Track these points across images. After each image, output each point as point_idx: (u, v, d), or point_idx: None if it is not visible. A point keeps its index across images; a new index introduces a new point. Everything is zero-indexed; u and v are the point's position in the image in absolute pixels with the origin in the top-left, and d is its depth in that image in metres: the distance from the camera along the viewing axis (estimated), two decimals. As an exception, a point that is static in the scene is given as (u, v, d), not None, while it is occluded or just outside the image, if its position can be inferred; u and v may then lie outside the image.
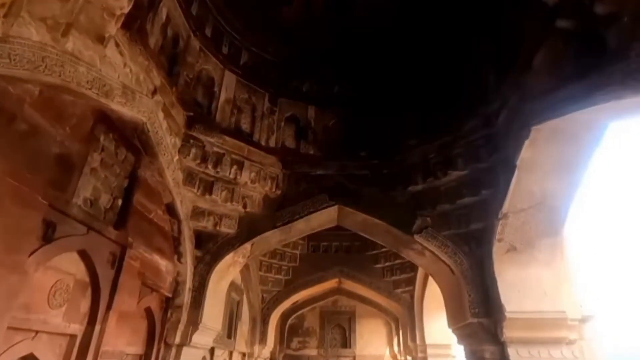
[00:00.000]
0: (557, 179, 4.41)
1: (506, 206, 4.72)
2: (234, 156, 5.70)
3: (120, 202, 4.18)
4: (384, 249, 10.02)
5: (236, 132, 5.88)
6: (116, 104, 3.69)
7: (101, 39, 3.29)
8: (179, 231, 5.27)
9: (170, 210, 5.12)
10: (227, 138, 5.62)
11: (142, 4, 3.68)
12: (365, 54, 6.75)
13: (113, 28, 3.24)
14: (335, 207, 6.02)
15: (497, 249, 5.00)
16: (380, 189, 6.00)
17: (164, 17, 4.55)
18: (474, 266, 5.25)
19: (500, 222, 4.85)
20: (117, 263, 4.05)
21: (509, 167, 4.46)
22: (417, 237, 5.63)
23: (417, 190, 5.73)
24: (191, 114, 5.20)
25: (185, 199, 5.31)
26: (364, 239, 9.99)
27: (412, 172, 5.72)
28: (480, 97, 4.98)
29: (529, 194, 4.62)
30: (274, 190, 6.07)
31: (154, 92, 4.37)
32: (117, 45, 3.68)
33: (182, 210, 5.26)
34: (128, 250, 4.17)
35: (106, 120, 3.84)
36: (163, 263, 5.02)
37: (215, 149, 5.53)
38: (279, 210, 6.03)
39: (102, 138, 3.84)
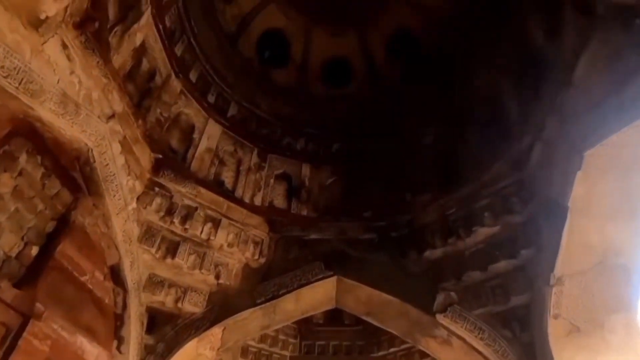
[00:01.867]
0: (622, 224, 3.37)
1: (559, 267, 3.57)
2: (209, 212, 4.67)
3: (35, 251, 3.03)
4: (393, 349, 8.14)
5: (215, 185, 4.96)
6: (47, 111, 2.84)
7: (35, 23, 2.61)
8: (124, 306, 3.95)
9: (115, 275, 3.89)
10: (202, 190, 4.68)
11: (101, 2, 3.12)
12: (365, 107, 6.26)
13: (51, 7, 2.58)
14: (334, 279, 4.76)
15: (554, 331, 3.68)
16: (389, 257, 4.83)
17: (138, 42, 4.02)
18: (524, 358, 3.83)
19: (554, 290, 3.63)
20: (10, 341, 2.72)
21: (557, 213, 3.45)
22: (440, 318, 4.28)
23: (436, 256, 4.58)
24: (160, 156, 4.35)
25: (138, 261, 4.12)
26: (367, 336, 8.26)
27: (428, 234, 4.63)
28: (502, 136, 4.20)
29: (587, 248, 3.52)
30: (256, 257, 4.89)
31: (111, 117, 3.58)
32: (64, 46, 3.00)
33: (132, 276, 4.02)
34: (32, 322, 2.88)
35: (33, 135, 2.95)
36: (92, 351, 3.59)
37: (187, 201, 4.53)
38: (261, 283, 4.75)
39: (22, 158, 2.90)
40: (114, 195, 3.66)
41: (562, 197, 3.35)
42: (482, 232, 4.24)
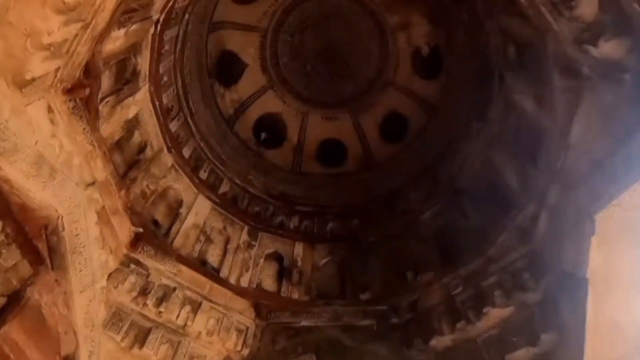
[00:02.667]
0: (655, 300, 2.96)
1: (589, 355, 3.06)
2: (188, 293, 4.22)
3: (-28, 331, 2.58)
4: None
5: (198, 264, 4.57)
6: (18, 171, 2.66)
7: (20, 83, 2.58)
8: (74, 409, 3.28)
9: (69, 367, 3.30)
10: (183, 268, 4.29)
11: (95, 71, 3.18)
12: (360, 185, 6.16)
13: (38, 67, 2.58)
14: (327, 375, 4.09)
15: None
16: (390, 347, 4.24)
17: (131, 114, 4.05)
18: None
19: (589, 386, 3.05)
20: None
21: (576, 288, 3.07)
22: None
23: (445, 344, 4.01)
24: (140, 230, 4.07)
25: (99, 351, 3.54)
26: None
27: (434, 318, 4.13)
28: (504, 207, 3.99)
29: (616, 330, 3.05)
30: (239, 348, 4.28)
31: (91, 185, 3.41)
32: (49, 110, 2.96)
33: (90, 370, 3.42)
34: None
35: (-2, 197, 2.73)
36: None
37: (165, 280, 4.12)
38: (243, 381, 4.07)
39: (-20, 222, 2.64)
40: (81, 270, 3.29)
41: (578, 268, 3.00)
42: (495, 314, 3.75)
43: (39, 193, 2.88)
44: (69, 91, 3.07)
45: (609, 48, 2.29)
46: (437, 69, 5.98)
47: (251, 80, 6.76)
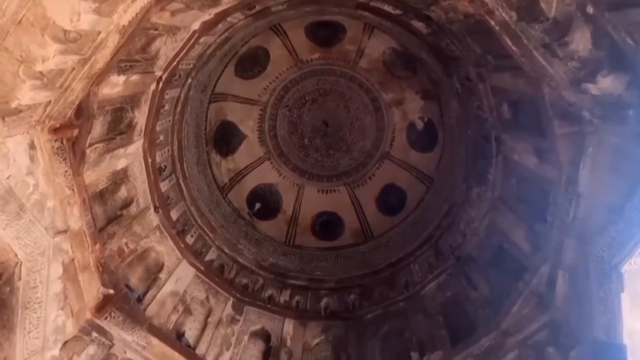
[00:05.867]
0: None
1: None
2: (156, 372, 3.59)
3: None
4: None
5: (172, 337, 3.99)
6: (-22, 203, 2.41)
7: (4, 111, 2.47)
8: None
9: None
10: (154, 340, 3.73)
11: (87, 113, 3.10)
12: (357, 258, 5.78)
13: (25, 95, 2.49)
14: None
15: None
16: None
17: (120, 166, 3.92)
18: None
19: None
20: None
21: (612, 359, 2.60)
22: None
23: None
24: (110, 291, 3.61)
25: None
26: None
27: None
28: (515, 271, 3.62)
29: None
30: None
31: (61, 233, 3.10)
32: (32, 146, 2.82)
33: None
34: None
35: (-50, 233, 2.42)
36: None
37: (130, 353, 3.54)
38: None
39: None
40: (30, 332, 2.80)
41: (611, 334, 2.58)
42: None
43: (-1, 232, 2.58)
44: (56, 130, 2.97)
45: (608, 83, 2.27)
46: (433, 142, 6.08)
47: (249, 151, 6.83)
